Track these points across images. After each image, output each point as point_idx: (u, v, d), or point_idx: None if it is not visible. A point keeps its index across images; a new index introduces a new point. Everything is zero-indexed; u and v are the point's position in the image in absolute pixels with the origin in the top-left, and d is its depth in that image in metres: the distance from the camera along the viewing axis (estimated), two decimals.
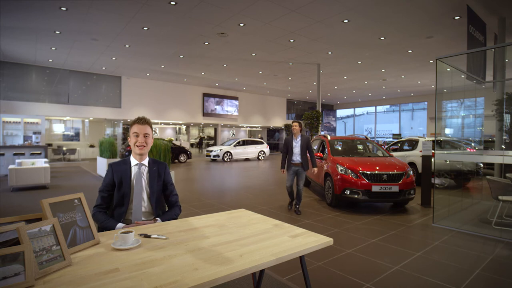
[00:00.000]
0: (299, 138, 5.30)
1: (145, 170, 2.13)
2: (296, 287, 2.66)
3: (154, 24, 8.64)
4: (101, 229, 1.99)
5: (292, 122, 5.34)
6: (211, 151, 16.24)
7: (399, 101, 22.96)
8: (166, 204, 2.29)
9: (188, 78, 16.84)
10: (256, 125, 23.84)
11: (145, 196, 2.10)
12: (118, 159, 2.15)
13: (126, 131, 18.29)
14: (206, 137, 28.91)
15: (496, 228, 4.35)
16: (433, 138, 7.76)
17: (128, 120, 16.83)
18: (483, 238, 4.06)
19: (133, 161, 2.12)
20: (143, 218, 2.07)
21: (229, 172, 11.47)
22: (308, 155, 5.40)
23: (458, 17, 7.75)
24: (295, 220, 4.86)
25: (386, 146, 10.61)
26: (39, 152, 10.42)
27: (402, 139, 10.41)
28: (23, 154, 10.08)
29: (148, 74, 16.00)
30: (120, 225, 1.97)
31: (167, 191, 2.22)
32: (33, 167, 7.39)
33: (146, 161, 2.15)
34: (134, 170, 2.10)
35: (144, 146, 2.10)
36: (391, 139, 21.24)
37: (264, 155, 17.53)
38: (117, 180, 2.05)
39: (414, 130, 22.90)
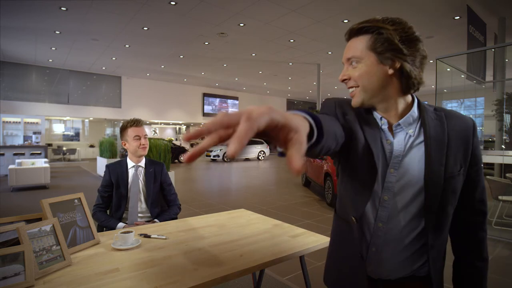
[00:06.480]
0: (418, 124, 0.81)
1: (141, 171, 2.13)
2: (296, 287, 2.66)
3: (154, 24, 8.63)
4: (101, 228, 2.00)
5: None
6: (211, 151, 16.23)
7: None
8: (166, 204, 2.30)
9: (188, 78, 16.83)
10: None
11: (142, 198, 2.10)
12: (117, 159, 2.14)
13: None
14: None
15: (496, 228, 4.34)
16: None
17: None
18: None
19: (130, 163, 2.12)
20: (139, 220, 2.08)
21: (229, 172, 11.47)
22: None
23: (458, 17, 7.74)
24: (295, 220, 4.86)
25: None
26: (39, 152, 10.42)
27: None
28: (23, 154, 10.08)
29: (148, 74, 15.99)
30: (121, 224, 1.98)
31: (164, 191, 2.21)
32: (33, 167, 7.38)
33: (143, 163, 2.15)
34: (131, 172, 2.10)
35: (146, 147, 2.10)
36: None
37: (264, 155, 17.53)
38: (114, 182, 2.06)
39: None
